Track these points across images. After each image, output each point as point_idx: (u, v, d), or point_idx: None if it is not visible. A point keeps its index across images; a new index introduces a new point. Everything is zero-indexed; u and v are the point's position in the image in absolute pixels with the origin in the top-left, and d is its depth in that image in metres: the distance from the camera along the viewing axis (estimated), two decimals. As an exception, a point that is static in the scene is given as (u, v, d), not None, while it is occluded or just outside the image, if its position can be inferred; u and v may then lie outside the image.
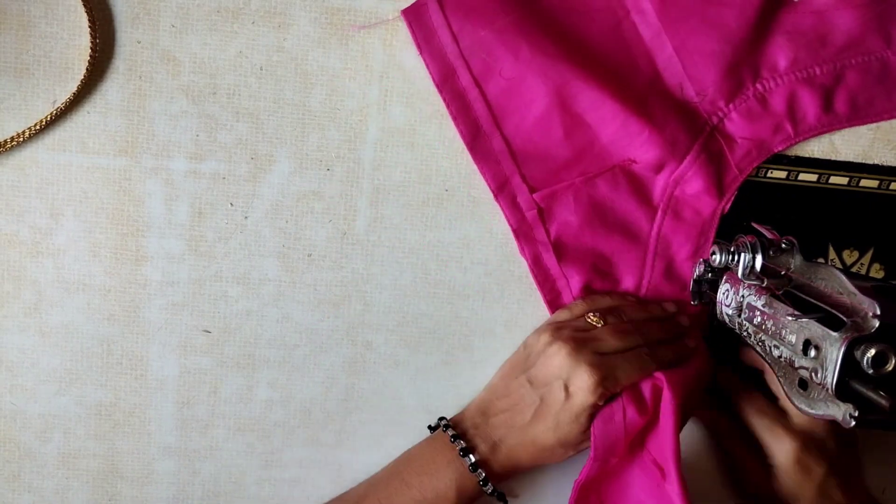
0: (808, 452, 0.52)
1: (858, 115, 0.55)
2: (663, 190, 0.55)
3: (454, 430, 0.53)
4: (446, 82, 0.53)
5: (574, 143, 0.54)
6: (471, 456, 0.52)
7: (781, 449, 0.52)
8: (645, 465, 0.52)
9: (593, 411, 0.51)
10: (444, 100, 0.53)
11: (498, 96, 0.53)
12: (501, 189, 0.55)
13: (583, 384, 0.50)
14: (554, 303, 0.56)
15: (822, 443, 0.52)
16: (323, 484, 0.59)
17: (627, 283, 0.56)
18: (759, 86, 0.54)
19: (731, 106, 0.54)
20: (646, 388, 0.51)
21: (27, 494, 0.58)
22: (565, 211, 0.55)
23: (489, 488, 0.52)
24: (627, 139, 0.53)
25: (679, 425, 0.49)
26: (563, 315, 0.55)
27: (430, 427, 0.57)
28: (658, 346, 0.53)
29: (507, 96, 0.53)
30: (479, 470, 0.51)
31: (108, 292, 0.55)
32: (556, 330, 0.53)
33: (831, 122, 0.55)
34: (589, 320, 0.53)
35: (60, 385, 0.56)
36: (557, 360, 0.51)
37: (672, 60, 0.53)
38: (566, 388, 0.50)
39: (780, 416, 0.53)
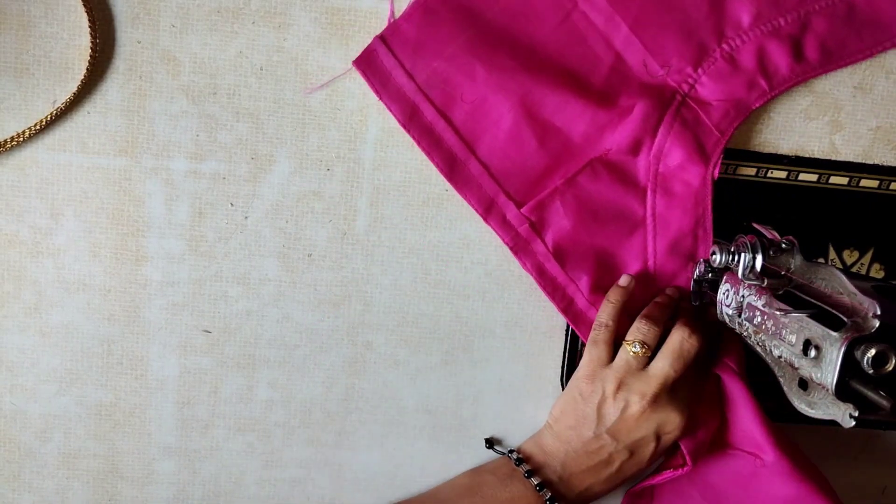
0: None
1: (832, 59, 0.55)
2: (646, 169, 0.55)
3: (539, 477, 0.54)
4: (412, 120, 0.53)
5: (549, 149, 0.54)
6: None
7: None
8: (731, 462, 0.54)
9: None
10: (413, 138, 0.53)
11: (465, 121, 0.53)
12: (489, 211, 0.55)
13: (675, 429, 0.53)
14: (569, 310, 0.56)
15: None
16: (323, 484, 0.59)
17: (633, 269, 0.56)
18: (725, 46, 0.54)
19: (699, 71, 0.54)
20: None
21: (27, 494, 0.58)
22: (556, 217, 0.55)
23: None
24: (598, 132, 0.54)
25: (757, 406, 0.52)
26: (601, 353, 0.54)
27: (489, 445, 0.59)
28: (693, 336, 0.53)
29: (473, 119, 0.53)
30: None
31: (108, 292, 0.55)
32: (619, 380, 0.53)
33: (805, 70, 0.55)
34: (636, 354, 0.53)
35: (60, 385, 0.56)
36: (643, 418, 0.52)
37: (630, 40, 0.53)
38: (657, 437, 0.53)
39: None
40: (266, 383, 0.57)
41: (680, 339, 0.53)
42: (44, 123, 0.52)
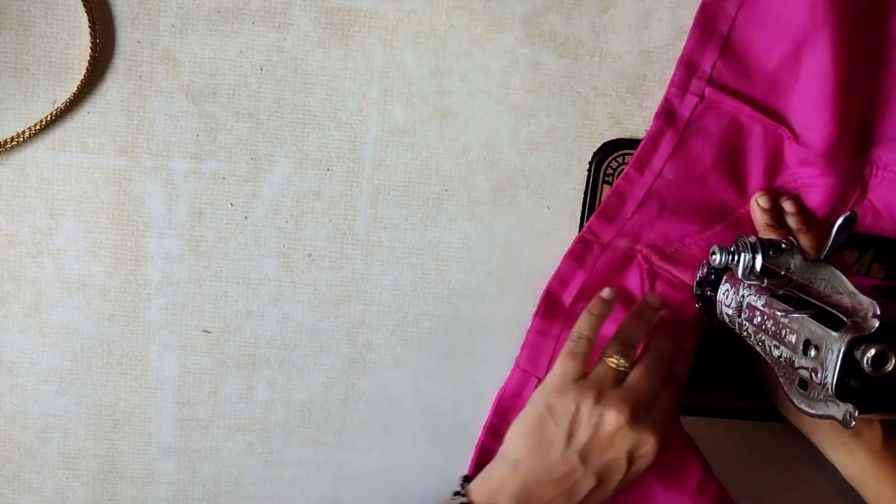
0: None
1: None
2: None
3: None
4: None
5: None
6: None
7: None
8: None
9: None
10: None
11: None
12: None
13: (649, 450, 0.48)
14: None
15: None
16: (323, 484, 0.59)
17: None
18: None
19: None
20: None
21: (27, 494, 0.58)
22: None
23: None
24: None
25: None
26: (576, 365, 0.50)
27: (457, 493, 0.52)
28: (673, 362, 0.52)
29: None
30: None
31: (108, 292, 0.55)
32: (597, 393, 0.48)
33: None
34: (615, 367, 0.50)
35: (60, 385, 0.56)
36: (618, 435, 0.48)
37: None
38: (629, 458, 0.48)
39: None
40: (266, 383, 0.57)
41: (658, 349, 0.51)
42: (44, 123, 0.52)
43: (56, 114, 0.52)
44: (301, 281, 0.56)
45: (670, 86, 0.54)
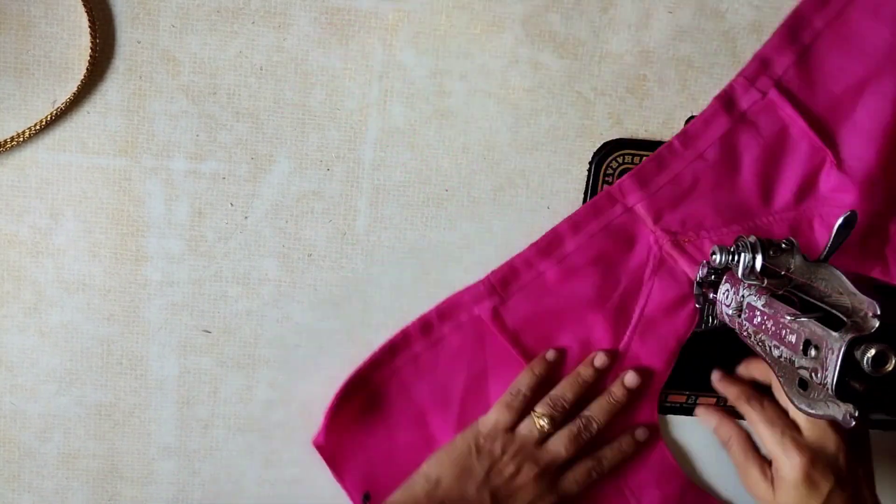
0: (816, 467, 0.51)
1: None
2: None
3: None
4: None
5: None
6: None
7: (789, 462, 0.52)
8: None
9: None
10: None
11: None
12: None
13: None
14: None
15: (833, 458, 0.52)
16: (323, 484, 0.59)
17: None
18: None
19: None
20: None
21: (27, 494, 0.58)
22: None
23: None
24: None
25: None
26: (508, 417, 0.55)
27: (364, 497, 0.57)
28: (605, 449, 0.57)
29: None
30: None
31: (108, 292, 0.55)
32: (518, 448, 0.54)
33: None
34: (540, 429, 0.55)
35: (60, 385, 0.56)
36: (525, 484, 0.54)
37: None
38: None
39: (789, 427, 0.53)
40: (266, 383, 0.57)
41: (580, 426, 0.55)
42: (44, 123, 0.52)
43: (56, 114, 0.52)
44: (301, 281, 0.56)
45: (739, 75, 0.54)
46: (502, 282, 0.56)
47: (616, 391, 0.56)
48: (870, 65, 0.53)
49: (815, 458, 0.51)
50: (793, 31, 0.53)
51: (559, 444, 0.55)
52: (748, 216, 0.55)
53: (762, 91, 0.54)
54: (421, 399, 0.57)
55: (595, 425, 0.55)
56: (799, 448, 0.52)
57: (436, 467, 0.55)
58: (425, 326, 0.56)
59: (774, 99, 0.54)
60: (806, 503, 0.52)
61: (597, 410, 0.56)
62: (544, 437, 0.55)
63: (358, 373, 0.56)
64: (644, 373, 0.56)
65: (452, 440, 0.56)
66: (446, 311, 0.56)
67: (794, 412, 0.53)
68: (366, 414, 0.57)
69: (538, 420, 0.55)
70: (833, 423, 0.50)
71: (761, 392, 0.55)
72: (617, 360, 0.57)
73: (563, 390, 0.56)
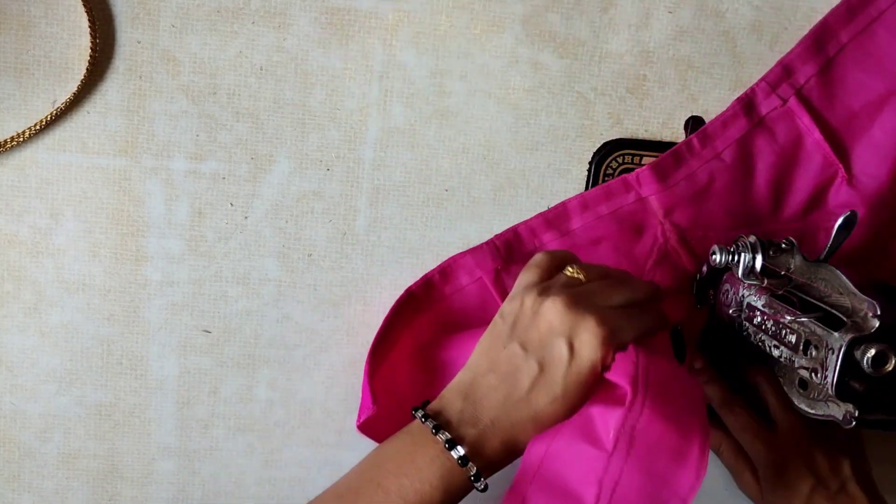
0: (790, 468, 0.50)
1: None
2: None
3: (435, 421, 0.45)
4: None
5: None
6: (459, 448, 0.43)
7: (764, 466, 0.51)
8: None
9: (599, 375, 0.44)
10: None
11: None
12: None
13: (591, 337, 0.43)
14: None
15: (809, 456, 0.51)
16: (323, 484, 0.59)
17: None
18: None
19: None
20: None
21: (27, 494, 0.58)
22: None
23: (481, 484, 0.44)
24: None
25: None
26: (532, 275, 0.48)
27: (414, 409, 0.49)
28: (643, 306, 0.48)
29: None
30: (470, 464, 0.43)
31: (108, 292, 0.55)
32: (543, 289, 0.45)
33: None
34: (570, 274, 0.47)
35: (60, 385, 0.56)
36: (555, 316, 0.44)
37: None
38: (570, 345, 0.43)
39: (762, 430, 0.52)
40: (266, 383, 0.57)
41: (622, 277, 0.48)
42: (44, 123, 0.52)
43: (56, 114, 0.52)
44: (301, 281, 0.56)
45: (762, 80, 0.54)
46: (506, 246, 0.55)
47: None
48: (890, 83, 0.53)
49: (788, 459, 0.51)
50: (818, 41, 0.54)
51: (594, 286, 0.46)
52: (756, 222, 0.55)
53: (783, 98, 0.54)
54: (430, 357, 0.55)
55: (637, 293, 0.47)
56: (770, 451, 0.51)
57: (473, 354, 0.48)
58: (427, 285, 0.55)
59: (794, 107, 0.54)
60: (797, 491, 0.50)
61: (630, 283, 0.48)
62: (575, 283, 0.46)
63: (376, 341, 0.54)
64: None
65: None
66: (448, 271, 0.56)
67: (773, 411, 0.52)
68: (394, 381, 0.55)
69: (567, 269, 0.47)
70: (809, 421, 0.47)
71: (733, 395, 0.54)
72: None
73: (603, 264, 0.49)
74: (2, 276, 0.55)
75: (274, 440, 0.58)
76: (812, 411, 0.42)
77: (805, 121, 0.54)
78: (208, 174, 0.54)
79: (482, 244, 0.55)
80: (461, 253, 0.56)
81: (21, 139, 0.52)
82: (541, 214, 0.55)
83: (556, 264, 0.48)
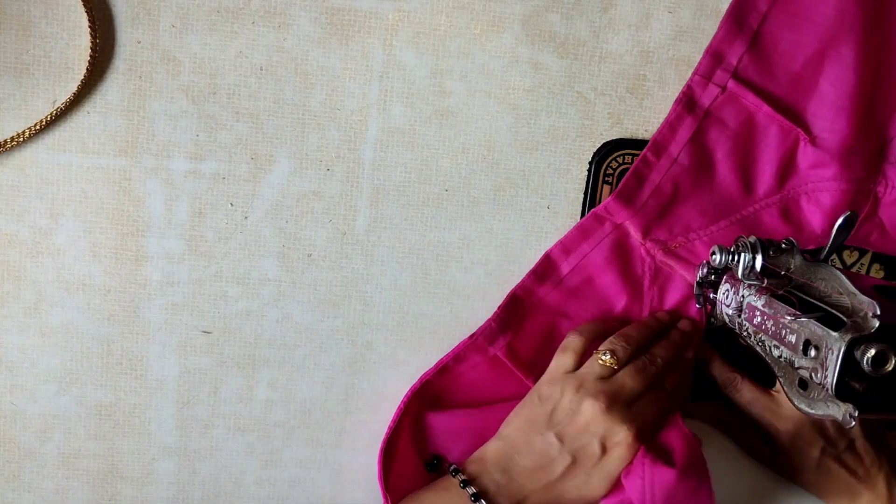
0: (800, 434, 0.53)
1: None
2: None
3: (474, 488, 0.51)
4: None
5: None
6: None
7: (774, 434, 0.54)
8: None
9: (625, 467, 0.50)
10: None
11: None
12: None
13: (622, 440, 0.49)
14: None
15: (818, 421, 0.54)
16: (323, 484, 0.59)
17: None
18: None
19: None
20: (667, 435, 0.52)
21: (27, 494, 0.58)
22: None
23: None
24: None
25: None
26: (568, 360, 0.53)
27: (428, 464, 0.56)
28: (669, 369, 0.53)
29: None
30: None
31: (108, 292, 0.55)
32: (579, 384, 0.51)
33: None
34: (603, 363, 0.52)
35: (60, 385, 0.56)
36: (592, 418, 0.50)
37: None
38: (603, 446, 0.50)
39: (769, 402, 0.54)
40: (266, 383, 0.57)
41: (645, 360, 0.52)
42: (44, 123, 0.52)
43: (56, 114, 0.52)
44: (301, 281, 0.56)
45: (694, 73, 0.54)
46: (510, 313, 0.56)
47: (674, 334, 0.55)
48: (822, 35, 0.52)
49: (797, 425, 0.53)
50: (738, 18, 0.53)
51: (625, 376, 0.51)
52: (733, 209, 0.55)
53: (720, 85, 0.53)
54: (456, 415, 0.56)
55: (660, 360, 0.52)
56: (779, 420, 0.54)
57: (506, 425, 0.53)
58: (442, 370, 0.56)
59: (735, 90, 0.53)
60: (799, 466, 0.55)
61: (659, 348, 0.53)
62: (608, 372, 0.52)
63: (390, 430, 0.56)
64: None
65: (528, 394, 0.54)
66: (462, 355, 0.56)
67: (778, 386, 0.54)
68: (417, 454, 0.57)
69: (600, 356, 0.52)
70: None
71: (735, 372, 0.56)
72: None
73: (628, 330, 0.54)
74: (2, 276, 0.55)
75: (274, 440, 0.58)
76: (812, 411, 0.42)
77: (750, 99, 0.53)
78: (208, 174, 0.54)
79: (487, 322, 0.56)
80: (470, 336, 0.56)
81: (21, 139, 0.52)
82: (529, 272, 0.56)
83: (588, 344, 0.53)
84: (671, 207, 0.55)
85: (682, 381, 0.54)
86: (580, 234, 0.56)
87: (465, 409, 0.56)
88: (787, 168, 0.55)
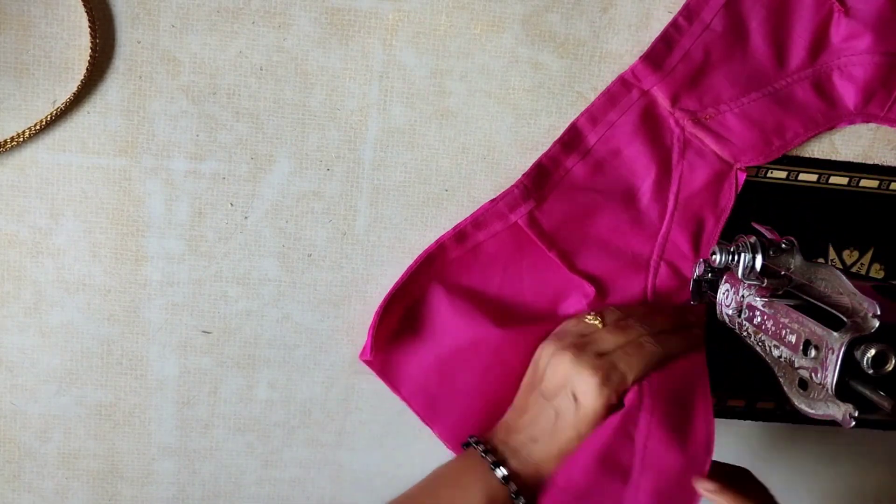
0: None
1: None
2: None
3: (484, 446, 0.52)
4: None
5: None
6: (501, 468, 0.50)
7: None
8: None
9: (607, 412, 0.49)
10: None
11: None
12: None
13: (586, 388, 0.49)
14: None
15: None
16: (323, 484, 0.59)
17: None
18: None
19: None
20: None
21: (27, 494, 0.58)
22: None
23: (521, 501, 0.50)
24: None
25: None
26: (567, 324, 0.54)
27: (463, 445, 0.55)
28: (663, 334, 0.52)
29: None
30: (511, 483, 0.50)
31: (108, 292, 0.55)
32: (559, 340, 0.52)
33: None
34: (586, 323, 0.52)
35: (60, 385, 0.56)
36: (561, 370, 0.50)
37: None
38: (574, 397, 0.50)
39: None
40: (266, 383, 0.58)
41: (636, 318, 0.52)
42: (44, 123, 0.52)
43: (56, 114, 0.52)
44: (301, 281, 0.56)
45: None
46: (535, 183, 0.55)
47: (680, 307, 0.54)
48: None
49: None
50: None
51: (602, 332, 0.52)
52: (765, 82, 0.54)
53: None
54: (459, 303, 0.55)
55: (651, 325, 0.52)
56: None
57: (517, 394, 0.55)
58: (460, 235, 0.55)
59: None
60: None
61: (656, 315, 0.53)
62: (589, 331, 0.52)
63: (397, 286, 0.55)
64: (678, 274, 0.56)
65: None
66: (481, 220, 0.55)
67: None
68: (409, 325, 0.55)
69: (586, 316, 0.53)
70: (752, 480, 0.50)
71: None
72: (656, 248, 0.56)
73: (631, 304, 0.54)
74: (2, 276, 0.55)
75: (274, 440, 0.58)
76: (812, 411, 0.42)
77: None
78: (208, 174, 0.54)
79: (511, 187, 0.55)
80: (492, 200, 0.55)
81: (21, 139, 0.52)
82: (556, 141, 0.55)
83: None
84: (701, 76, 0.54)
85: (682, 342, 0.53)
86: (607, 101, 0.54)
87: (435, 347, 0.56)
88: (820, 41, 0.54)
